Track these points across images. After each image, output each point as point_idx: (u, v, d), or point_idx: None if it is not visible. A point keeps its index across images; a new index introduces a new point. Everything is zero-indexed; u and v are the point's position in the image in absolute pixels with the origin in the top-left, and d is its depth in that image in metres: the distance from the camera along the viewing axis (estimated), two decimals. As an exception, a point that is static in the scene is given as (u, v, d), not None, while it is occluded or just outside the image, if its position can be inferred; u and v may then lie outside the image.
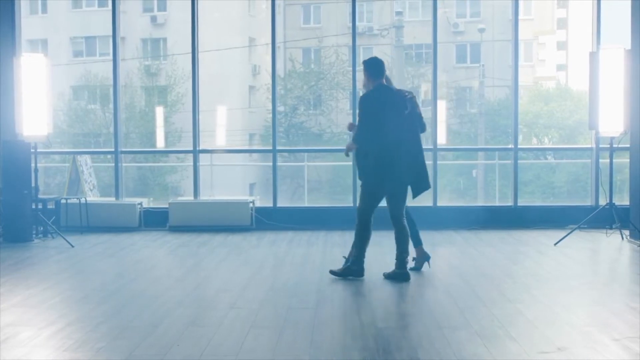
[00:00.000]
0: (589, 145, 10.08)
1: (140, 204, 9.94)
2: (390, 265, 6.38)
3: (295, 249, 8.07)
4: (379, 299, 5.76)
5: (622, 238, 8.36)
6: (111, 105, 10.71)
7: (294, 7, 24.58)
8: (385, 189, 6.28)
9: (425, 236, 8.74)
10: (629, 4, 8.50)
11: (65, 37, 24.17)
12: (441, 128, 16.29)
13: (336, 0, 23.36)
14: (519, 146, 10.14)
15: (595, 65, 8.32)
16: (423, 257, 6.70)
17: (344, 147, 6.67)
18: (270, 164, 10.27)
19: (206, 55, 16.17)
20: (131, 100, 23.11)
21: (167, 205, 9.87)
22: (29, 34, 21.01)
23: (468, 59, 24.50)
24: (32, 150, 8.80)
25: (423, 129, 6.49)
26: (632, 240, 8.18)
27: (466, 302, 5.43)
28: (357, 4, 10.03)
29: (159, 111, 22.51)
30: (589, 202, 9.89)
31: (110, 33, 10.18)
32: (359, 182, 6.54)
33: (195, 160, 10.08)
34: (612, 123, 8.32)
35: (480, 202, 19.16)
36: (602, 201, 9.02)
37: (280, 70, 21.80)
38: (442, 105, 19.10)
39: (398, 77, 22.60)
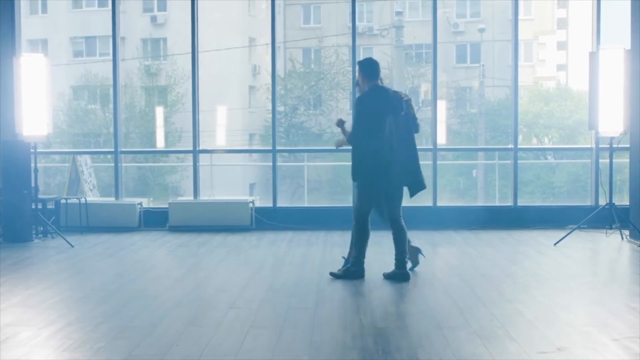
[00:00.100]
0: (589, 145, 10.08)
1: (140, 204, 9.94)
2: (390, 266, 6.39)
3: (295, 249, 8.07)
4: (378, 299, 5.76)
5: (622, 238, 8.36)
6: (111, 105, 10.71)
7: (294, 7, 24.59)
8: (381, 190, 6.29)
9: (425, 236, 8.80)
10: (629, 4, 8.50)
11: (65, 37, 24.18)
12: (441, 128, 16.32)
13: (336, 0, 23.36)
14: (518, 146, 10.13)
15: (595, 65, 8.32)
16: (415, 252, 6.68)
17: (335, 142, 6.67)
18: (270, 164, 10.27)
19: (206, 55, 16.18)
20: (131, 100, 23.12)
21: (167, 205, 9.87)
22: (29, 34, 21.01)
23: (468, 59, 24.52)
24: (32, 150, 8.80)
25: (417, 130, 6.49)
26: (632, 240, 8.18)
27: (466, 302, 5.43)
28: (357, 4, 10.03)
29: (159, 111, 22.52)
30: (588, 202, 9.89)
31: (110, 33, 10.18)
32: (352, 183, 6.55)
33: (195, 160, 10.08)
34: (612, 123, 8.32)
35: (480, 202, 19.16)
36: (602, 201, 9.02)
37: (280, 70, 21.81)
38: (442, 105, 19.13)
39: (398, 77, 22.61)
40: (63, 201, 9.54)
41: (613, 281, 6.54)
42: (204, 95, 10.40)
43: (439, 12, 10.11)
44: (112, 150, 10.19)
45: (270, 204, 10.11)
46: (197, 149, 10.09)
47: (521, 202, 10.13)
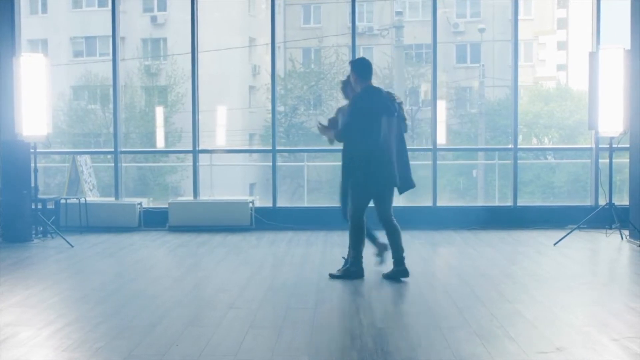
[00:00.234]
0: (589, 145, 10.08)
1: (140, 204, 9.94)
2: (390, 265, 6.39)
3: (295, 249, 8.07)
4: (378, 299, 5.76)
5: (622, 238, 8.36)
6: (111, 105, 10.71)
7: (294, 7, 24.59)
8: (375, 189, 6.29)
9: (425, 236, 8.81)
10: (628, 4, 8.50)
11: (65, 37, 24.18)
12: (441, 128, 16.32)
13: (336, 0, 23.36)
14: (518, 146, 10.13)
15: (594, 65, 8.32)
16: (382, 248, 6.67)
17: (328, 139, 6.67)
18: (270, 164, 10.27)
19: (206, 55, 16.18)
20: (131, 100, 23.12)
21: (166, 205, 9.87)
22: (29, 34, 21.01)
23: (468, 59, 24.52)
24: (32, 150, 8.80)
25: (405, 130, 6.52)
26: (632, 240, 8.18)
27: (465, 302, 5.43)
28: (357, 4, 10.03)
29: (159, 111, 22.52)
30: (588, 202, 9.89)
31: (110, 33, 10.18)
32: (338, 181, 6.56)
33: (195, 160, 10.08)
34: (612, 123, 8.32)
35: (480, 202, 19.16)
36: (602, 201, 9.02)
37: (280, 70, 21.81)
38: (442, 105, 19.14)
39: (398, 77, 22.61)
40: (63, 201, 9.54)
41: (613, 281, 6.54)
42: (204, 95, 10.40)
43: (439, 12, 10.11)
44: (112, 150, 10.19)
45: (270, 204, 10.11)
46: (197, 149, 10.09)
47: (521, 202, 10.14)
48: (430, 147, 10.02)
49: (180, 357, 4.15)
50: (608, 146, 8.48)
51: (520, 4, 10.13)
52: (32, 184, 8.71)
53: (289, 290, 5.99)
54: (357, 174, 6.24)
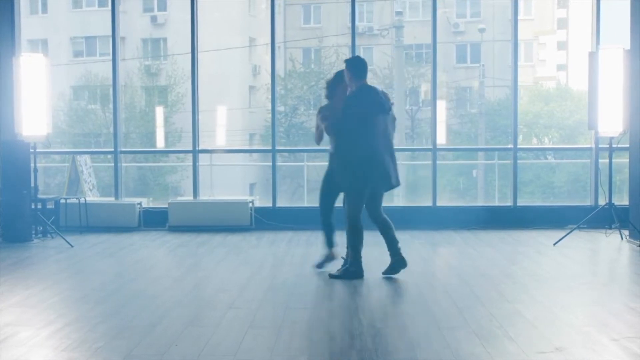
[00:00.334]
0: (589, 145, 10.08)
1: (140, 204, 9.94)
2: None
3: (295, 249, 8.07)
4: (377, 299, 5.77)
5: (622, 238, 8.36)
6: (111, 105, 10.71)
7: (294, 7, 24.59)
8: (371, 189, 6.32)
9: (425, 236, 8.81)
10: (628, 4, 8.50)
11: (66, 37, 24.19)
12: (441, 128, 16.33)
13: (336, 0, 23.36)
14: (518, 146, 10.13)
15: (594, 65, 8.32)
16: (331, 258, 6.68)
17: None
18: (270, 164, 10.27)
19: (206, 55, 16.19)
20: (131, 100, 23.13)
21: (166, 205, 9.87)
22: (29, 34, 21.02)
23: (468, 59, 24.52)
24: (32, 150, 8.80)
25: (394, 130, 6.58)
26: (632, 240, 8.18)
27: (465, 302, 5.43)
28: (356, 4, 10.03)
29: (159, 111, 22.52)
30: (588, 202, 9.89)
31: (110, 33, 10.18)
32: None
33: (195, 160, 10.09)
34: (612, 123, 8.32)
35: (480, 202, 19.16)
36: (602, 201, 9.02)
37: (280, 70, 21.82)
38: (442, 105, 19.14)
39: (398, 77, 22.61)
40: (63, 201, 9.54)
41: (612, 281, 6.54)
42: (204, 95, 10.41)
43: (439, 12, 10.11)
44: (112, 150, 10.19)
45: (270, 204, 10.11)
46: (197, 149, 10.09)
47: (521, 202, 10.14)
48: (430, 147, 10.02)
49: (180, 357, 4.15)
50: (608, 146, 8.49)
51: (520, 4, 10.14)
52: (32, 184, 8.71)
53: (288, 290, 5.99)
54: (354, 174, 6.25)
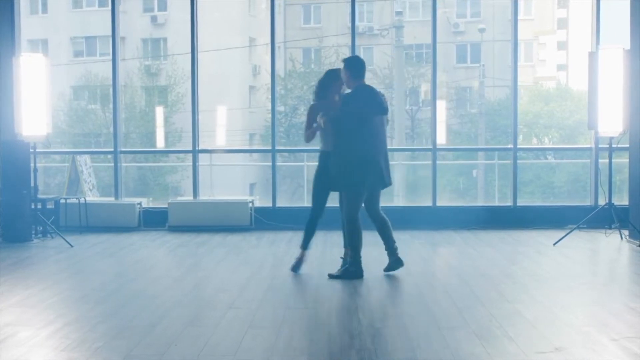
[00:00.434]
0: (588, 145, 10.08)
1: (140, 203, 9.94)
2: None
3: (295, 249, 8.02)
4: (377, 299, 5.77)
5: (621, 238, 8.36)
6: (111, 105, 10.71)
7: (294, 7, 24.59)
8: (369, 188, 6.33)
9: (425, 236, 8.81)
10: (628, 4, 8.49)
11: (66, 37, 24.19)
12: (441, 128, 16.32)
13: (336, 0, 23.36)
14: (518, 146, 10.13)
15: (594, 65, 8.32)
16: (302, 261, 6.67)
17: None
18: (270, 164, 10.27)
19: (206, 55, 16.19)
20: (131, 100, 23.13)
21: (166, 205, 9.87)
22: (29, 34, 21.01)
23: (468, 59, 24.51)
24: (32, 150, 8.80)
25: (386, 129, 6.64)
26: (631, 240, 8.18)
27: (465, 302, 5.43)
28: (356, 4, 10.03)
29: (159, 111, 22.52)
30: (588, 202, 9.89)
31: (110, 33, 10.17)
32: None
33: (195, 160, 10.09)
34: (612, 123, 8.32)
35: (480, 202, 19.16)
36: (602, 201, 9.02)
37: (280, 70, 21.81)
38: (442, 105, 19.13)
39: (398, 77, 22.60)
40: (62, 201, 9.54)
41: (612, 281, 6.54)
42: (204, 95, 10.41)
43: (439, 12, 10.11)
44: (112, 150, 10.19)
45: (270, 204, 10.11)
46: (197, 148, 10.09)
47: (521, 202, 10.14)
48: (430, 147, 10.02)
49: (179, 357, 4.15)
50: (608, 146, 8.49)
51: (521, 4, 10.14)
52: (32, 184, 8.71)
53: (288, 290, 5.99)
54: (353, 174, 6.25)
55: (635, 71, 8.14)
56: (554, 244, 8.09)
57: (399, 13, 23.24)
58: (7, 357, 4.14)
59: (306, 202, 16.30)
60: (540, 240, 8.49)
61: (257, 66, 23.60)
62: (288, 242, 8.53)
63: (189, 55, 10.12)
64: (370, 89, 6.39)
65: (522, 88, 23.24)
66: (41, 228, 8.93)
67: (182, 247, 8.30)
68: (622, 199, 9.38)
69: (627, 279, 6.63)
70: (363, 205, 6.47)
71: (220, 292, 5.89)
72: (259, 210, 9.85)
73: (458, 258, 7.54)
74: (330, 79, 6.58)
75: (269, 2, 10.04)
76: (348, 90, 6.50)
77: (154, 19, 23.85)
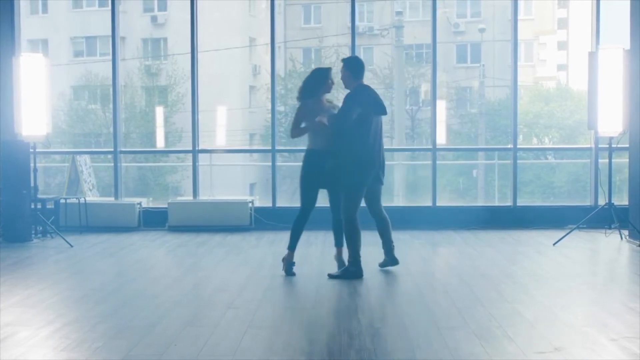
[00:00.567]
0: (588, 145, 10.08)
1: (140, 203, 9.94)
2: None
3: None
4: (376, 299, 5.77)
5: (621, 238, 8.36)
6: (111, 105, 10.72)
7: (294, 7, 24.59)
8: (368, 187, 6.36)
9: (425, 236, 8.81)
10: (628, 4, 8.49)
11: (66, 37, 24.19)
12: (441, 128, 16.31)
13: (336, 0, 23.36)
14: (518, 146, 10.13)
15: (594, 65, 8.32)
16: (291, 262, 6.62)
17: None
18: (270, 164, 10.27)
19: (206, 55, 16.19)
20: (132, 100, 23.13)
21: (166, 205, 9.87)
22: (29, 34, 21.01)
23: (468, 59, 24.51)
24: (32, 150, 8.80)
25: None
26: (631, 240, 8.18)
27: (464, 302, 5.43)
28: (357, 4, 10.03)
29: (160, 111, 22.52)
30: (588, 202, 9.89)
31: (110, 33, 10.17)
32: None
33: (195, 160, 10.09)
34: (611, 123, 8.32)
35: (480, 202, 19.16)
36: (602, 201, 9.02)
37: (280, 70, 21.81)
38: (442, 105, 19.11)
39: (398, 77, 22.60)
40: (62, 201, 9.54)
41: (612, 281, 6.54)
42: (204, 95, 10.40)
43: (439, 12, 10.11)
44: (112, 150, 10.19)
45: (270, 204, 10.10)
46: (197, 148, 10.09)
47: (521, 202, 10.14)
48: (430, 147, 10.02)
49: (179, 357, 4.15)
50: (608, 146, 8.48)
51: (521, 4, 10.15)
52: (32, 184, 8.71)
53: (287, 290, 5.99)
54: (354, 173, 6.26)
55: (635, 71, 8.14)
56: (554, 244, 8.09)
57: (399, 13, 23.24)
58: (6, 357, 4.14)
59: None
60: (540, 240, 8.49)
61: (257, 66, 23.60)
62: (288, 242, 8.50)
63: (189, 55, 10.13)
64: (371, 89, 6.47)
65: (522, 88, 23.24)
66: (41, 228, 8.93)
67: (181, 247, 8.30)
68: (622, 199, 9.38)
69: (626, 279, 6.63)
70: (364, 204, 6.49)
71: (219, 292, 5.89)
72: (259, 210, 9.85)
73: (458, 258, 7.54)
74: (320, 79, 6.52)
75: (269, 2, 10.04)
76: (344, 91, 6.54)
77: (154, 19, 23.86)
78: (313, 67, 23.99)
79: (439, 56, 10.03)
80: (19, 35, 9.81)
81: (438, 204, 9.89)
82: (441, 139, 16.08)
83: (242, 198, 10.69)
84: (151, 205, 11.78)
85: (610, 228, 8.53)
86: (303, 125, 6.48)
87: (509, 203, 10.01)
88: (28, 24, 19.05)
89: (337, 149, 6.32)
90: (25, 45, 16.67)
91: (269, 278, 6.46)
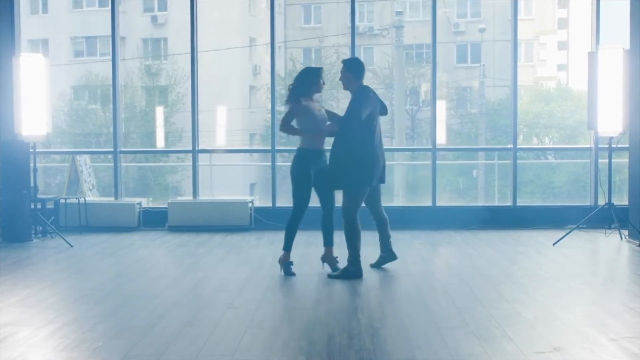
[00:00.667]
0: (588, 145, 10.08)
1: (140, 203, 9.94)
2: (392, 264, 6.44)
3: (294, 249, 7.94)
4: (376, 299, 5.77)
5: (621, 238, 8.36)
6: (111, 105, 10.72)
7: (294, 7, 24.60)
8: (369, 187, 6.40)
9: (424, 236, 8.81)
10: (628, 4, 8.49)
11: (66, 37, 24.20)
12: (441, 128, 16.34)
13: (336, 0, 23.36)
14: (518, 146, 10.13)
15: (594, 65, 8.32)
16: (288, 263, 6.59)
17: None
18: (270, 164, 10.27)
19: (206, 55, 16.19)
20: (132, 100, 23.14)
21: (166, 205, 9.87)
22: (29, 34, 21.02)
23: (468, 58, 24.53)
24: (32, 150, 8.80)
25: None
26: (631, 240, 8.17)
27: (464, 302, 5.43)
28: (357, 4, 10.03)
29: (160, 111, 22.53)
30: (588, 202, 9.89)
31: (110, 33, 10.17)
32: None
33: (195, 160, 10.09)
34: (611, 123, 8.32)
35: (480, 202, 19.17)
36: (601, 201, 9.02)
37: (280, 70, 21.82)
38: (442, 105, 19.13)
39: (398, 77, 22.60)
40: (62, 201, 9.54)
41: (612, 281, 6.53)
42: (204, 95, 10.41)
43: (440, 12, 10.11)
44: (112, 150, 10.20)
45: (270, 204, 10.11)
46: (197, 148, 10.09)
47: (521, 202, 10.14)
48: (430, 147, 10.02)
49: (178, 357, 4.15)
50: (608, 146, 8.48)
51: (521, 4, 10.15)
52: (32, 184, 8.71)
53: (287, 290, 5.99)
54: (355, 173, 6.27)
55: (635, 71, 8.14)
56: (554, 244, 8.09)
57: (399, 13, 23.25)
58: (6, 357, 4.14)
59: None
60: (540, 240, 8.49)
61: (257, 66, 23.61)
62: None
63: (189, 55, 10.12)
64: (372, 90, 6.53)
65: (522, 88, 23.25)
66: (41, 228, 8.93)
67: (181, 247, 8.30)
68: (621, 199, 9.38)
69: (626, 279, 6.63)
70: (364, 204, 6.51)
71: (219, 292, 5.89)
72: (259, 210, 9.85)
73: (458, 258, 7.54)
74: (312, 78, 6.51)
75: (269, 2, 10.04)
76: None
77: (154, 19, 23.87)
78: (313, 67, 24.08)
79: (439, 56, 10.03)
80: (19, 35, 9.81)
81: (438, 204, 9.89)
82: (441, 139, 16.10)
83: (242, 198, 10.69)
84: (151, 205, 11.77)
85: (610, 228, 8.53)
86: (301, 126, 6.53)
87: (509, 203, 10.01)
88: (28, 24, 19.05)
89: (339, 149, 6.32)
90: (26, 45, 16.69)
91: (268, 278, 6.46)
